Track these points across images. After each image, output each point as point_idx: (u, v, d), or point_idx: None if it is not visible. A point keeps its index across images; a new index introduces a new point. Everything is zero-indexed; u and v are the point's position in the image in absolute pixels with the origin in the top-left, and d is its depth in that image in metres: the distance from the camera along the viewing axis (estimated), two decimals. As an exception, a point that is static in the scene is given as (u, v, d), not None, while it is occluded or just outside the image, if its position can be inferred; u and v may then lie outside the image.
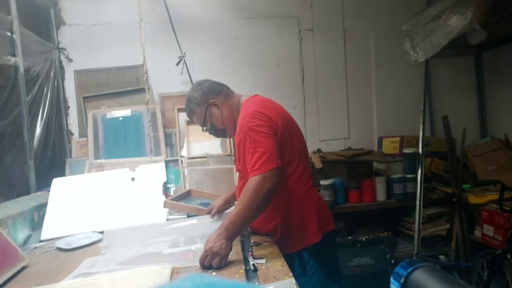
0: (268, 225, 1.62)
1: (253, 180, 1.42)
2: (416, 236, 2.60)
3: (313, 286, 1.56)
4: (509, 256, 2.20)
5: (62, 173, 2.61)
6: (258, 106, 1.60)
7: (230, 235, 1.35)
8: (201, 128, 1.83)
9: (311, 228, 1.59)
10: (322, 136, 3.18)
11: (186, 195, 2.20)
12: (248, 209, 1.40)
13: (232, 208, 1.83)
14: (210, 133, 1.82)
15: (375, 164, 2.98)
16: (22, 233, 1.83)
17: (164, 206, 2.03)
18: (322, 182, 2.57)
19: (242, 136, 1.52)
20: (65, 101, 2.93)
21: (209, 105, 1.72)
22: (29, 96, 2.38)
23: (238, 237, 1.57)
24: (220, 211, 1.86)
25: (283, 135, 1.56)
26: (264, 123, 1.51)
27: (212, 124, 1.75)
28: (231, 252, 1.35)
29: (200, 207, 2.01)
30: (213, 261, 1.28)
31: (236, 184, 2.12)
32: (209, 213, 1.87)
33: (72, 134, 2.93)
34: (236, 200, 1.83)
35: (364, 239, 2.58)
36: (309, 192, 1.66)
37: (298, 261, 1.57)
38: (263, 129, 1.49)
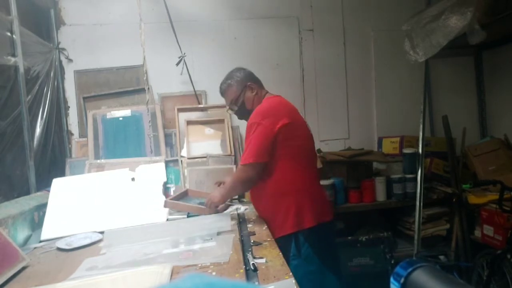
0: (271, 206, 1.86)
1: (238, 167, 1.92)
2: (416, 236, 2.60)
3: (306, 268, 1.74)
4: (509, 256, 2.20)
5: (62, 173, 2.61)
6: (271, 106, 1.89)
7: (223, 194, 1.95)
8: (226, 107, 2.14)
9: (307, 215, 1.80)
10: (322, 136, 3.18)
11: (183, 195, 2.21)
12: (231, 186, 1.93)
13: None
14: (236, 113, 2.08)
15: (375, 164, 2.98)
16: (22, 233, 1.83)
17: (165, 206, 2.04)
18: (322, 182, 2.57)
19: (248, 128, 1.86)
20: (65, 101, 2.93)
21: (247, 86, 1.99)
22: (29, 96, 2.38)
23: (238, 237, 1.59)
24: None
25: (287, 132, 1.81)
26: (266, 121, 1.79)
27: (243, 104, 2.00)
28: (231, 253, 1.40)
29: (201, 206, 2.02)
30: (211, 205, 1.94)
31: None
32: (219, 184, 2.18)
33: (72, 134, 2.93)
34: None
35: (364, 239, 2.58)
36: (310, 185, 1.91)
37: (294, 243, 1.78)
38: (261, 127, 1.79)
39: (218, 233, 1.66)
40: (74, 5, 2.93)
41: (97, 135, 2.74)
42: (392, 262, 2.56)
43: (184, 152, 2.75)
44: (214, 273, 1.25)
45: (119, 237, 1.77)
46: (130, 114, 2.80)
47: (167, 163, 2.62)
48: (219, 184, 2.17)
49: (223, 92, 2.07)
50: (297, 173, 1.85)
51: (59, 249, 1.68)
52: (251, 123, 1.83)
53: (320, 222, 1.82)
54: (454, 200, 2.68)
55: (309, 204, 1.83)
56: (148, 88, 2.74)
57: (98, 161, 2.63)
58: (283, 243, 1.65)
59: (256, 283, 1.15)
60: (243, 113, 2.05)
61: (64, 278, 1.31)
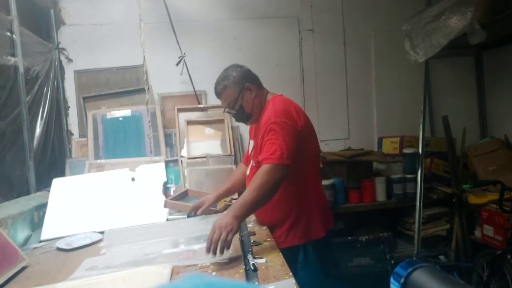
0: (281, 212, 1.71)
1: (267, 167, 1.53)
2: (416, 237, 2.60)
3: (309, 279, 1.66)
4: (509, 256, 2.20)
5: (62, 173, 2.61)
6: (287, 105, 1.71)
7: (238, 215, 1.41)
8: (223, 109, 1.88)
9: (316, 224, 1.72)
10: (322, 136, 3.17)
11: (183, 195, 2.21)
12: (258, 193, 1.48)
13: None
14: (234, 115, 1.89)
15: (375, 164, 2.98)
16: (22, 233, 1.83)
17: (165, 206, 2.04)
18: (322, 182, 2.57)
19: (267, 127, 1.62)
20: (65, 101, 2.93)
21: (244, 87, 1.79)
22: (29, 96, 2.37)
23: (238, 237, 1.58)
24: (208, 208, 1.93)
25: (304, 134, 1.69)
26: (290, 121, 1.63)
27: (241, 106, 1.81)
28: (231, 253, 1.37)
29: None
30: (221, 235, 1.32)
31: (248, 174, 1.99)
32: (196, 209, 1.91)
33: (72, 134, 2.93)
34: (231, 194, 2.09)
35: (364, 239, 2.58)
36: (319, 190, 1.85)
37: (302, 252, 1.69)
38: (287, 126, 1.61)
39: (218, 233, 1.66)
40: (74, 5, 2.93)
41: (97, 135, 2.74)
42: (392, 262, 2.56)
43: (184, 152, 2.75)
44: (214, 273, 1.25)
45: (119, 237, 1.77)
46: (130, 114, 2.80)
47: (167, 163, 2.62)
48: (196, 209, 1.91)
49: (218, 94, 1.85)
50: (308, 180, 1.75)
51: (59, 249, 1.68)
52: (274, 121, 1.61)
53: (326, 231, 1.77)
54: (454, 200, 2.68)
55: (319, 213, 1.75)
56: (148, 88, 2.74)
57: (98, 161, 2.63)
58: (287, 254, 1.47)
59: (256, 283, 1.15)
60: (241, 116, 1.86)
61: (64, 278, 1.31)
